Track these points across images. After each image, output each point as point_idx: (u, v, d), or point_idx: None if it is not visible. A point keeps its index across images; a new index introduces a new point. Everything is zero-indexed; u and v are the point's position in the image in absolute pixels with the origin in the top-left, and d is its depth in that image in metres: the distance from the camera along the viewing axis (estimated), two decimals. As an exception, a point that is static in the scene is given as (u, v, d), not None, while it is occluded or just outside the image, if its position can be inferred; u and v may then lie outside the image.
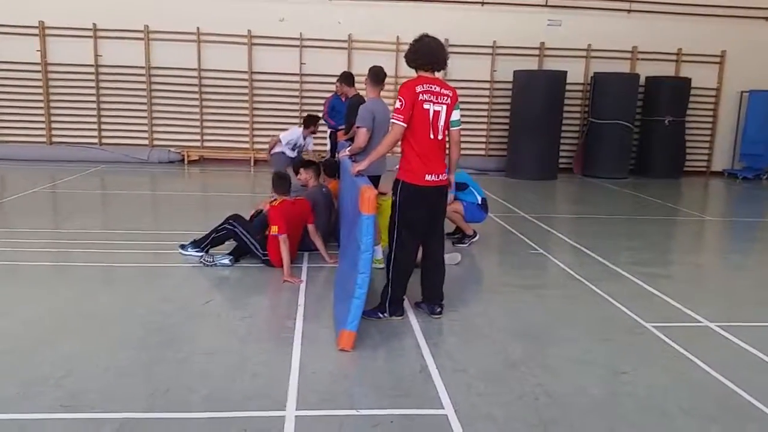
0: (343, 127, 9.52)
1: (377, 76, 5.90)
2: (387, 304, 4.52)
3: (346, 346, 3.96)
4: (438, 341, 4.19)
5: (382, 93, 6.00)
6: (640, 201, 11.04)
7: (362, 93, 6.96)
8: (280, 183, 5.83)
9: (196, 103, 13.72)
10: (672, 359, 4.06)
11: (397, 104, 4.27)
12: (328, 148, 10.54)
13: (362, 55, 13.29)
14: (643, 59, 14.41)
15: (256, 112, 13.91)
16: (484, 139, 14.55)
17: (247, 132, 13.95)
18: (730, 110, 14.95)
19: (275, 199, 5.81)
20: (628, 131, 13.75)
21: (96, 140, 13.58)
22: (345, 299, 4.21)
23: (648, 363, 3.98)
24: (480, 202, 6.97)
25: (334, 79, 9.31)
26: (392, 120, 4.32)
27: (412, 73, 4.52)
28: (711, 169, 15.16)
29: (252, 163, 13.78)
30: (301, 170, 6.61)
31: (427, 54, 4.41)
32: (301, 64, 13.63)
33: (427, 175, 4.36)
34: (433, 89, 4.35)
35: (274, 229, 5.45)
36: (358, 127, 5.62)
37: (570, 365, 3.91)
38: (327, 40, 13.54)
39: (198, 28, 13.34)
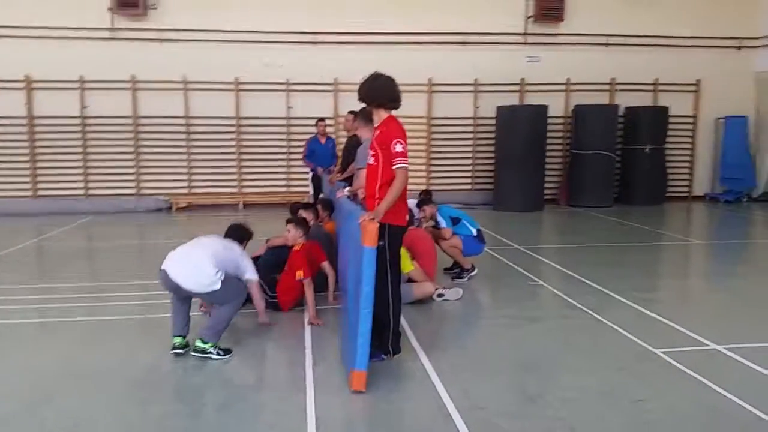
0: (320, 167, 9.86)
1: (370, 116, 5.93)
2: (390, 345, 4.47)
3: (360, 387, 3.88)
4: (452, 379, 4.14)
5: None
6: (626, 228, 11.13)
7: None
8: (302, 225, 5.83)
9: (184, 150, 13.71)
10: (687, 385, 4.05)
11: (399, 147, 4.18)
12: (311, 191, 10.89)
13: (348, 97, 13.44)
14: (621, 90, 14.75)
15: (243, 157, 13.94)
16: (469, 174, 14.69)
17: (235, 177, 13.96)
18: (707, 136, 15.27)
19: (296, 241, 5.75)
20: (610, 161, 13.99)
21: (83, 191, 13.46)
22: (351, 338, 4.14)
23: (664, 390, 3.96)
24: (475, 234, 7.02)
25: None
26: (401, 165, 4.19)
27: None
28: (692, 194, 15.41)
29: (241, 207, 13.75)
30: (301, 211, 6.60)
31: (394, 91, 4.34)
32: (288, 107, 13.78)
33: (406, 215, 4.47)
34: None
35: (299, 274, 5.38)
36: (359, 169, 5.69)
37: (587, 396, 3.88)
38: (313, 84, 13.71)
39: (184, 76, 13.44)
